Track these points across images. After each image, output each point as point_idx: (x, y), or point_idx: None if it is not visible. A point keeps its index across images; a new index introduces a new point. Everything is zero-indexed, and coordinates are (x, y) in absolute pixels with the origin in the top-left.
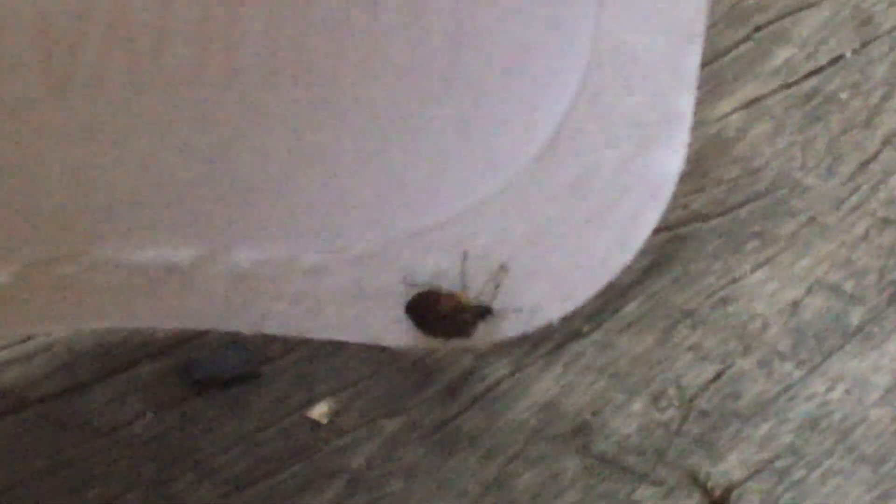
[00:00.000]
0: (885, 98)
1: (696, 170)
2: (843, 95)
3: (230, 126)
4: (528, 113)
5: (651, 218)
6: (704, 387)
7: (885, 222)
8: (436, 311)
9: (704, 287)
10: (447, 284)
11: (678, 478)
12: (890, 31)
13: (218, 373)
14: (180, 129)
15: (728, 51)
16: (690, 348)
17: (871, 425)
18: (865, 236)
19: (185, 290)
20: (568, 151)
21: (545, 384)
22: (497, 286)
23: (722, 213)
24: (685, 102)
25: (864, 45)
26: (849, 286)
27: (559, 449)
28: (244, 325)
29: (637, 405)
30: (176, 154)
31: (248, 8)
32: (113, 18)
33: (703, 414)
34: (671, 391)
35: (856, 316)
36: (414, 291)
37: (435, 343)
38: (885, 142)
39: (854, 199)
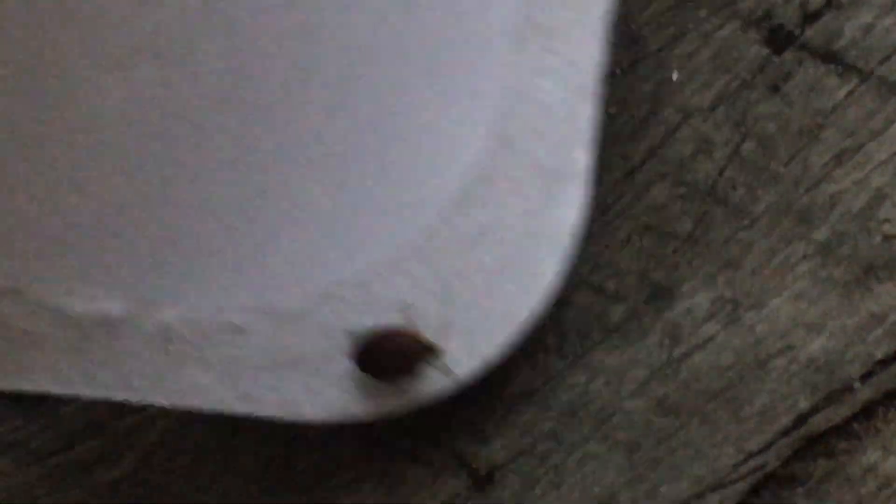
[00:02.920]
0: (651, 113)
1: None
2: (612, 110)
3: (160, 179)
4: (440, 163)
5: (555, 269)
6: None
7: (647, 228)
8: (390, 347)
9: None
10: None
11: (446, 459)
12: (657, 52)
13: None
14: (111, 181)
15: None
16: None
17: (626, 414)
18: (628, 240)
19: (113, 345)
20: (477, 201)
21: None
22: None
23: None
24: (585, 156)
25: (632, 63)
26: (611, 286)
27: (334, 431)
28: (168, 397)
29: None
30: (106, 206)
31: (175, 78)
32: (31, 65)
33: (472, 400)
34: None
35: (616, 314)
36: (359, 338)
37: (360, 409)
38: (650, 154)
39: (618, 205)
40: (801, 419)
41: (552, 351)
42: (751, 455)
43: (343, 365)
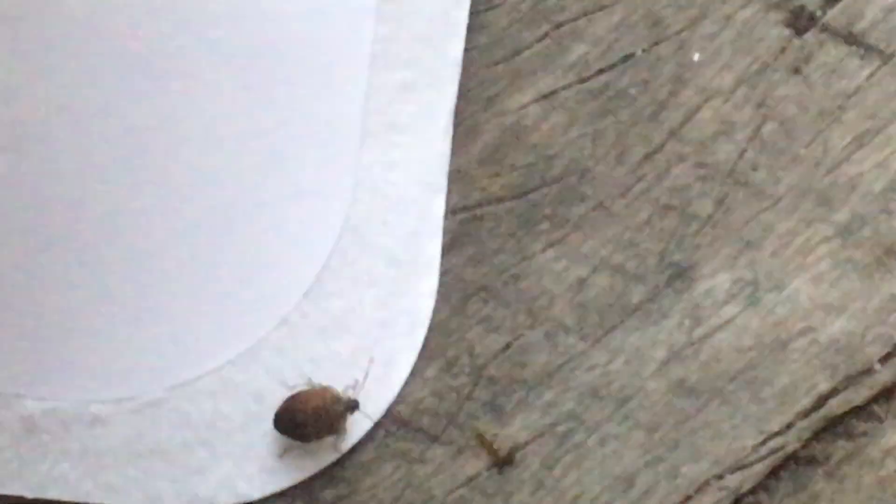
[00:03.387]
0: (672, 94)
1: (495, 155)
2: (633, 91)
3: (19, 272)
4: (294, 255)
5: (409, 359)
6: (494, 356)
7: (668, 209)
8: (308, 408)
9: (498, 264)
10: (227, 429)
11: (467, 439)
12: (678, 33)
13: None
14: None
15: (528, 46)
16: (483, 320)
17: (647, 395)
18: (648, 221)
19: None
20: (331, 292)
21: None
22: (364, 378)
23: (517, 196)
24: (434, 248)
25: (654, 44)
26: (631, 266)
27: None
28: (28, 488)
29: (431, 371)
30: None
31: (30, 170)
32: None
33: (492, 381)
34: (463, 359)
35: (637, 294)
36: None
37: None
38: (671, 135)
39: (639, 186)
40: (821, 401)
41: (572, 331)
42: (771, 436)
43: (201, 455)
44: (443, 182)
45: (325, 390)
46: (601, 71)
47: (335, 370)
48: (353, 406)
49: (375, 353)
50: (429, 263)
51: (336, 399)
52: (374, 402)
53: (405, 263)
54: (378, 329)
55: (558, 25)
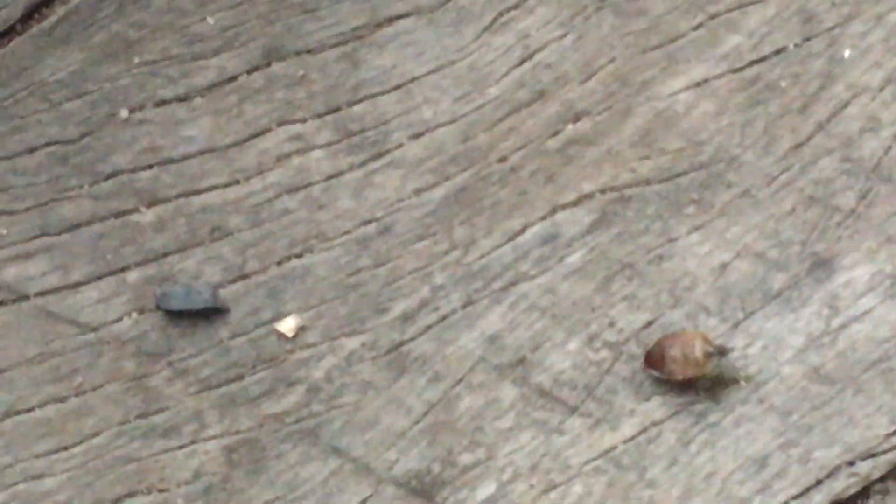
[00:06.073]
0: (822, 89)
1: (645, 139)
2: (783, 83)
3: None
4: None
5: None
6: (636, 333)
7: (812, 200)
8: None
9: (643, 244)
10: None
11: (605, 412)
12: (830, 29)
13: (188, 306)
14: None
15: (683, 35)
16: (626, 298)
17: (782, 380)
18: (792, 211)
19: None
20: None
21: (492, 319)
22: None
23: (665, 180)
24: None
25: (806, 39)
26: (773, 254)
27: (500, 378)
28: None
29: (573, 345)
30: None
31: None
32: None
33: (633, 357)
34: (605, 334)
35: (777, 281)
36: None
37: None
38: (818, 128)
39: (785, 176)
40: None
41: (713, 313)
42: None
43: None
44: None
45: (698, 334)
46: (753, 62)
47: None
48: (723, 351)
49: None
50: None
51: (707, 342)
52: None
53: None
54: None
55: (713, 16)
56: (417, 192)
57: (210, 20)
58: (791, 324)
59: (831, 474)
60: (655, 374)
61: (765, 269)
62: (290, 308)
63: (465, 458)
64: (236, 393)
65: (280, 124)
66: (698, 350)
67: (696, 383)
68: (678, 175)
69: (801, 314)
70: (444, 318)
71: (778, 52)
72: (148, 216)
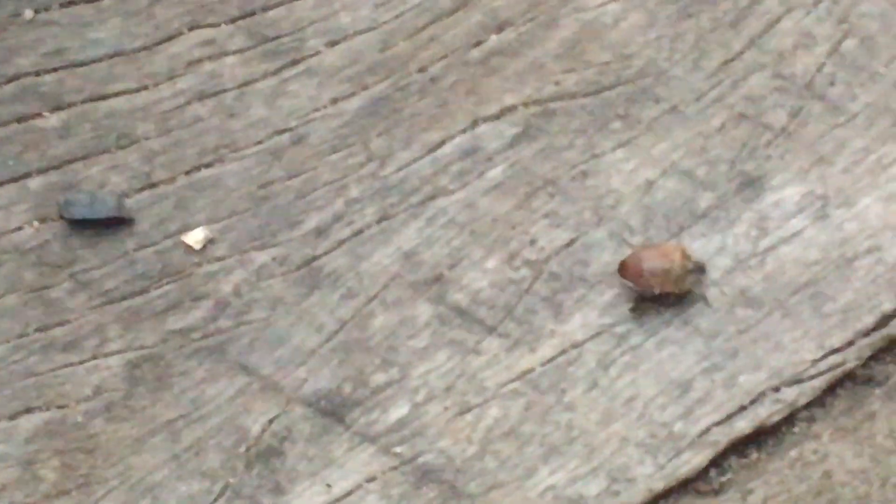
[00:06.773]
0: (754, 2)
1: (571, 51)
2: None
3: None
4: None
5: None
6: (557, 251)
7: (742, 117)
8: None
9: (567, 159)
10: None
11: (524, 332)
12: None
13: (92, 215)
14: None
15: None
16: (548, 215)
17: (707, 301)
18: (721, 128)
19: None
20: None
21: (408, 234)
22: None
23: (591, 93)
24: None
25: None
26: (701, 172)
27: (415, 296)
28: None
29: (492, 262)
30: None
31: None
32: None
33: (554, 276)
34: (525, 252)
35: (704, 200)
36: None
37: None
38: (750, 43)
39: (714, 93)
40: (885, 320)
41: (637, 232)
42: (831, 352)
43: None
44: None
45: (678, 247)
46: None
47: None
48: (702, 269)
49: None
50: None
51: (687, 257)
52: None
53: None
54: None
55: None
56: (333, 101)
57: None
58: (718, 244)
59: (756, 400)
60: (629, 285)
61: (692, 187)
62: (198, 220)
63: (378, 378)
64: (140, 307)
65: (192, 28)
66: (679, 266)
67: (669, 298)
68: (604, 89)
69: (728, 234)
70: (358, 232)
71: None
72: (52, 121)
